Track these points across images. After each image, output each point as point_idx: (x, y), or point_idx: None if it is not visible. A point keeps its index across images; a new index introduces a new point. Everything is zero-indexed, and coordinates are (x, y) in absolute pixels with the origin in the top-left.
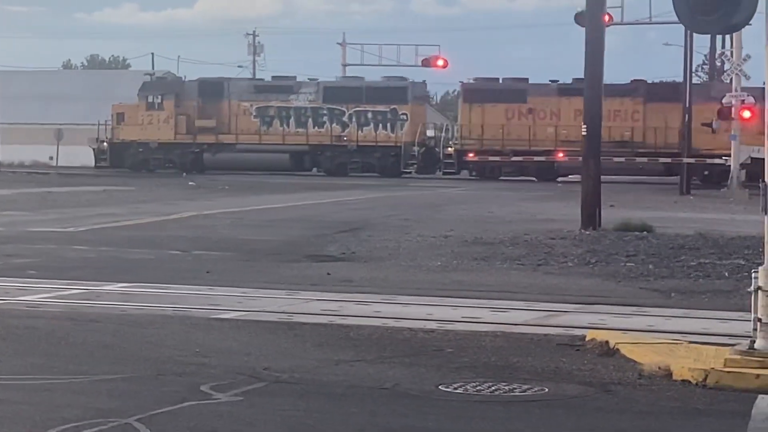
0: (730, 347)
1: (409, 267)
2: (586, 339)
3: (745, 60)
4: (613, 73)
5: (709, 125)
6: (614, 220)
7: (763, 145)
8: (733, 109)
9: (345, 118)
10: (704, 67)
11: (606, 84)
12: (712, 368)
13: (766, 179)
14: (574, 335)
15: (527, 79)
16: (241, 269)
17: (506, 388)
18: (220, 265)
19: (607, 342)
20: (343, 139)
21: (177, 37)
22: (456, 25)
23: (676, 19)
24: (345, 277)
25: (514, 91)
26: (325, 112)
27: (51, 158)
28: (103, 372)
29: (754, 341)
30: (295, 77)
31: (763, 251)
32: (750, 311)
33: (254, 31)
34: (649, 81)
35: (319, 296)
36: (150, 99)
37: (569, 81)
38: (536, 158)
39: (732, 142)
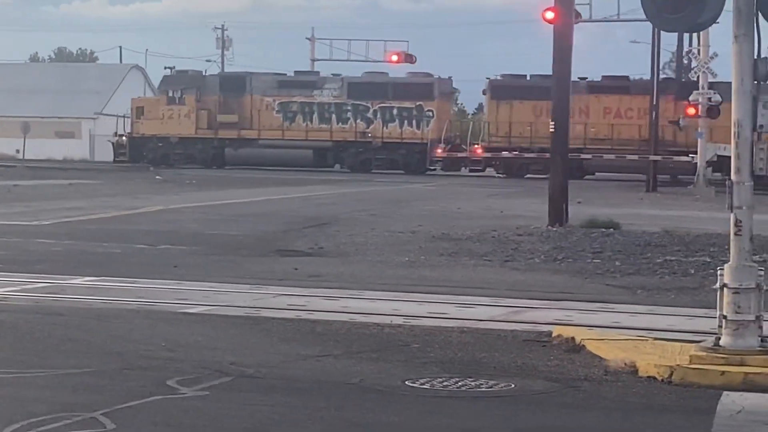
0: (695, 344)
1: (377, 262)
2: (553, 335)
3: (712, 58)
4: (581, 71)
5: (676, 123)
6: (581, 216)
7: (730, 143)
8: (700, 107)
9: (369, 115)
10: (671, 64)
11: (636, 80)
12: (678, 365)
13: (732, 177)
14: (540, 331)
15: None
16: (209, 264)
17: (472, 383)
18: (188, 259)
19: (573, 338)
20: (368, 136)
21: (145, 31)
22: (425, 21)
23: (643, 16)
24: (312, 272)
25: (543, 89)
26: (349, 108)
27: (18, 151)
28: (69, 366)
29: (720, 338)
30: (318, 72)
31: (728, 249)
32: (715, 308)
33: (223, 25)
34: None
35: (286, 291)
36: (171, 93)
37: (598, 78)
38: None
39: (698, 139)
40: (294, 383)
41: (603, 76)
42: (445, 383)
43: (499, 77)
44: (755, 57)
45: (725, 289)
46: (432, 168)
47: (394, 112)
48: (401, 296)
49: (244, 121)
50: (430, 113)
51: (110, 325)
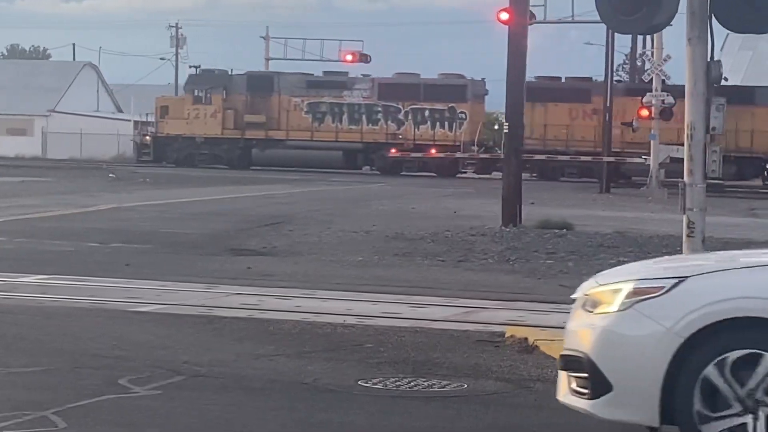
0: None
1: (330, 262)
2: (506, 336)
3: (665, 60)
4: (535, 72)
5: (629, 124)
6: (535, 217)
7: (683, 145)
8: (653, 108)
9: (401, 116)
10: (625, 66)
11: (674, 85)
12: None
13: (685, 179)
14: (493, 332)
15: (591, 78)
16: (161, 262)
17: (425, 383)
18: (140, 257)
19: (526, 339)
20: (399, 138)
21: (99, 28)
22: (380, 20)
23: (598, 18)
24: (265, 271)
25: (579, 91)
26: (379, 109)
27: None
28: (20, 364)
29: None
30: (347, 73)
31: (681, 250)
32: None
33: (177, 23)
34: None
35: (239, 290)
36: (196, 93)
37: (636, 81)
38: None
39: (651, 141)
40: (247, 382)
41: (639, 79)
42: (398, 383)
43: (533, 79)
44: (708, 59)
45: None
46: (463, 171)
47: (426, 113)
48: (355, 296)
49: (271, 121)
50: (463, 115)
51: (62, 323)
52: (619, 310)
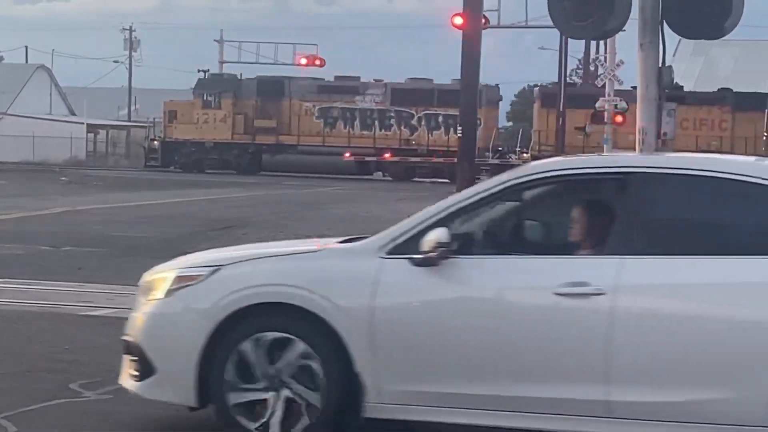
0: None
1: None
2: None
3: (618, 65)
4: (489, 77)
5: (582, 129)
6: None
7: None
8: (605, 113)
9: (414, 121)
10: (578, 71)
11: (693, 92)
12: None
13: None
14: None
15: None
16: (114, 266)
17: None
18: (92, 261)
19: None
20: (412, 143)
21: (52, 31)
22: (334, 24)
23: (551, 23)
24: None
25: (596, 97)
26: (392, 114)
27: None
28: None
29: None
30: (359, 77)
31: None
32: None
33: (131, 26)
34: (735, 90)
35: None
36: (206, 97)
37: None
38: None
39: (604, 145)
40: None
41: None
42: None
43: (549, 85)
44: (660, 65)
45: None
46: (478, 178)
47: (440, 119)
48: None
49: (282, 126)
50: (477, 121)
51: (13, 327)
52: (164, 297)
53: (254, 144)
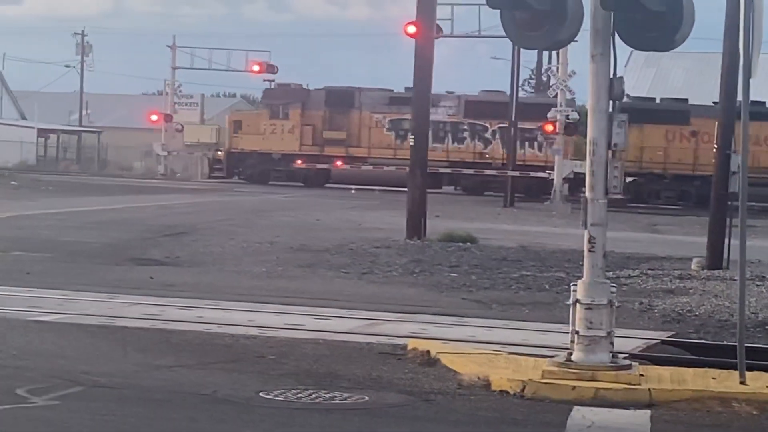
0: (548, 359)
1: (233, 272)
2: (408, 348)
3: (570, 75)
4: (442, 85)
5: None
6: (439, 230)
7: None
8: (557, 123)
9: (488, 135)
10: (531, 81)
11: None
12: (530, 379)
13: (587, 194)
14: (395, 344)
15: (687, 100)
16: (62, 271)
17: (326, 395)
18: (41, 266)
19: (428, 351)
20: (486, 157)
21: (3, 34)
22: (287, 31)
23: (504, 33)
24: (168, 281)
25: (676, 112)
26: (466, 127)
27: None
28: None
29: (572, 353)
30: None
31: (582, 264)
32: (569, 324)
33: (83, 31)
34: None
35: (141, 300)
36: (273, 108)
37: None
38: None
39: (555, 156)
40: (147, 393)
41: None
42: (299, 395)
43: (628, 100)
44: (611, 76)
45: (578, 304)
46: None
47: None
48: (257, 307)
49: (351, 138)
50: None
51: None
52: None
53: (323, 156)
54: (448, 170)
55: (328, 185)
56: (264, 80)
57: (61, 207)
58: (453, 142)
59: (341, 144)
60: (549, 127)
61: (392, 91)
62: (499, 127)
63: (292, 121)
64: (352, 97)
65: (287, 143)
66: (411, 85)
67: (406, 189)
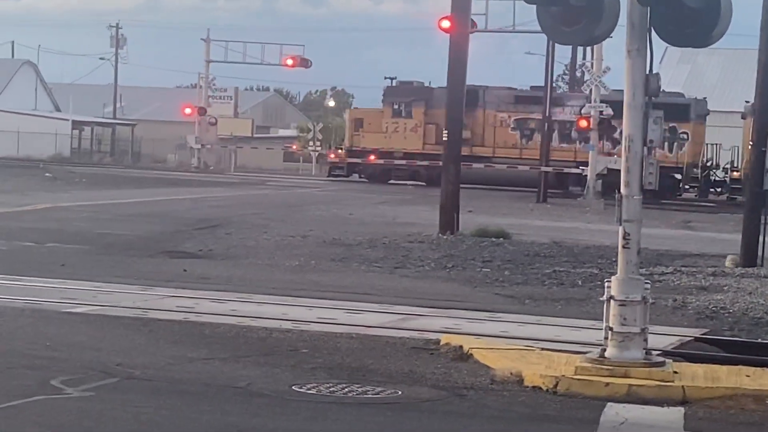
0: (581, 355)
1: (267, 266)
2: (441, 343)
3: (605, 72)
4: (476, 80)
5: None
6: (472, 225)
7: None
8: (591, 119)
9: (616, 135)
10: (564, 77)
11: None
12: (563, 375)
13: (621, 190)
14: (428, 339)
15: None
16: (97, 263)
17: (359, 389)
18: (75, 258)
19: (461, 346)
20: (615, 157)
21: (38, 27)
22: (322, 25)
23: (539, 28)
24: (201, 274)
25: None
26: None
27: None
28: None
29: (605, 350)
30: (558, 88)
31: (616, 261)
32: (602, 320)
33: (117, 24)
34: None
35: (175, 293)
36: (396, 106)
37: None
38: None
39: (589, 152)
40: (180, 386)
41: None
42: (332, 389)
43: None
44: (647, 72)
45: (612, 301)
46: (678, 194)
47: None
48: (290, 300)
49: (476, 137)
50: (685, 135)
51: None
52: None
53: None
54: (578, 171)
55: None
56: (385, 77)
57: (95, 199)
58: (580, 142)
59: (465, 143)
60: (583, 123)
61: (517, 89)
62: None
63: (415, 120)
64: (476, 95)
65: (410, 142)
66: (537, 84)
67: (534, 189)
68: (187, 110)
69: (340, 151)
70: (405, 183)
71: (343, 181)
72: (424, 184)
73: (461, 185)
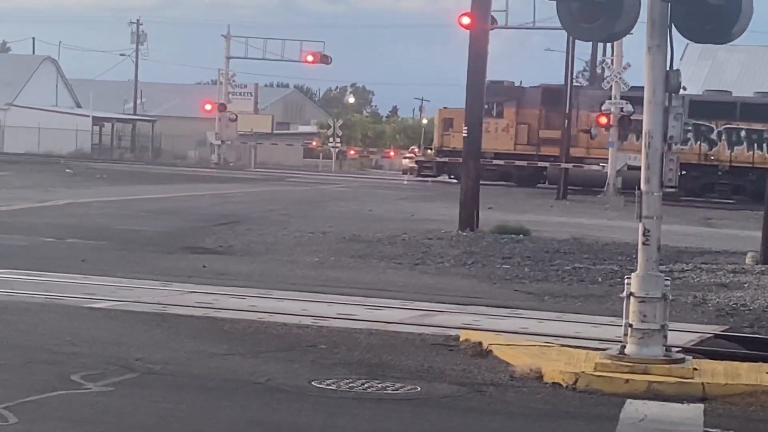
0: (601, 351)
1: (286, 262)
2: (460, 339)
3: (625, 68)
4: (495, 76)
5: (588, 132)
6: (492, 222)
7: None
8: (612, 116)
9: (713, 136)
10: (585, 73)
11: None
12: (583, 372)
13: (642, 187)
14: (448, 335)
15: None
16: (117, 259)
17: (379, 385)
18: (95, 254)
19: (480, 343)
20: (711, 159)
21: (59, 23)
22: (341, 22)
23: (559, 24)
24: (221, 270)
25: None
26: (690, 128)
27: None
28: None
29: (625, 346)
30: (642, 87)
31: (636, 258)
32: (622, 317)
33: (138, 20)
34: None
35: (194, 288)
36: (487, 105)
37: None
38: None
39: (609, 148)
40: (200, 381)
41: None
42: (351, 385)
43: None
44: (667, 69)
45: (632, 297)
46: None
47: (742, 134)
48: (310, 296)
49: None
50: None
51: (15, 318)
52: None
53: (538, 155)
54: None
55: (539, 185)
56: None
57: (116, 195)
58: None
59: (557, 144)
60: (603, 120)
61: (610, 90)
62: (725, 128)
63: (507, 120)
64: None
65: (501, 142)
66: (636, 85)
67: (631, 190)
68: (208, 106)
69: (429, 151)
70: (496, 184)
71: (366, 178)
72: (514, 184)
73: (569, 187)
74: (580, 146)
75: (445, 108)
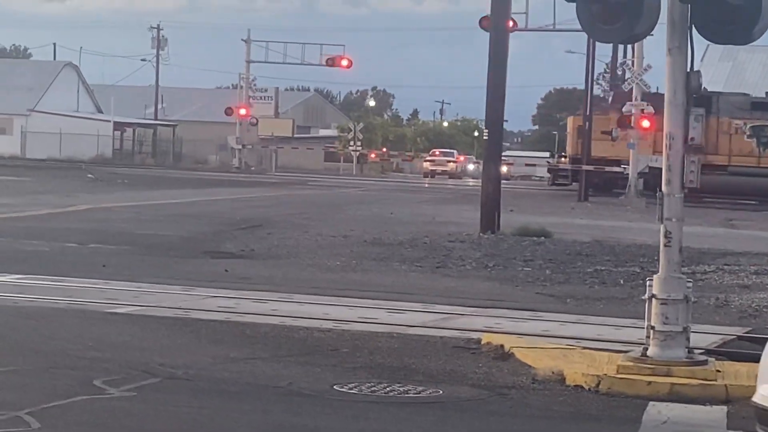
0: (623, 354)
1: (308, 266)
2: (482, 342)
3: (646, 70)
4: (516, 79)
5: (609, 134)
6: (513, 224)
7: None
8: (632, 118)
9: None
10: (605, 75)
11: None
12: (605, 374)
13: (663, 189)
14: (469, 338)
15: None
16: (138, 264)
17: (401, 389)
18: (117, 259)
19: (502, 346)
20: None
21: (80, 28)
22: (362, 25)
23: (579, 27)
24: (242, 274)
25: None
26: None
27: None
28: None
29: (647, 348)
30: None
31: (658, 260)
32: (644, 319)
33: (158, 25)
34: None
35: (216, 293)
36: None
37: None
38: None
39: (630, 150)
40: (222, 385)
41: None
42: (373, 388)
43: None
44: (688, 70)
45: (654, 299)
46: None
47: None
48: (331, 300)
49: (709, 145)
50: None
51: (37, 323)
52: None
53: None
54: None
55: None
56: (615, 82)
57: (137, 200)
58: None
59: (698, 151)
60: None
61: (748, 95)
62: None
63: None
64: (709, 101)
65: (639, 150)
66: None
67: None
68: (242, 111)
69: (564, 159)
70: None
71: (384, 181)
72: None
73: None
74: (721, 154)
75: (578, 115)
